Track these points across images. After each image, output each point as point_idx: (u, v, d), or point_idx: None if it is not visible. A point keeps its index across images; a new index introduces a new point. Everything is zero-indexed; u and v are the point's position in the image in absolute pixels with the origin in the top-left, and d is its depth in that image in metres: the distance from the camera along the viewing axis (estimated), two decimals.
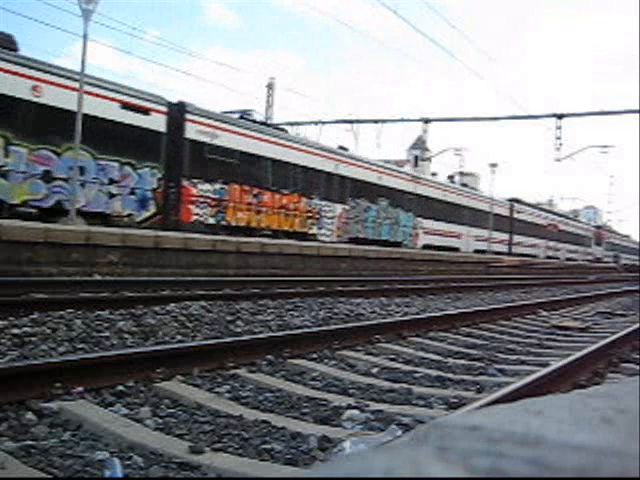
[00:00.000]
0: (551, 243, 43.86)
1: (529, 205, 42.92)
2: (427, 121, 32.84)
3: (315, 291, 10.32)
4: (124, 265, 11.42)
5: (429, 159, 38.92)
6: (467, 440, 0.70)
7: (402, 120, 32.30)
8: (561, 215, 51.19)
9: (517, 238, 37.70)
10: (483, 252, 31.84)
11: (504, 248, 35.59)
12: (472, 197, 33.24)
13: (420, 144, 40.47)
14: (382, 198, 24.75)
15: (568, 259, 46.26)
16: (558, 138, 29.61)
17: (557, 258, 43.86)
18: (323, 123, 31.38)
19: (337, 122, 32.17)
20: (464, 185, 35.99)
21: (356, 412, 3.46)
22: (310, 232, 20.50)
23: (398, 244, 25.37)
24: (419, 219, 27.27)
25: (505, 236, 36.15)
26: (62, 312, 6.15)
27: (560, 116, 29.29)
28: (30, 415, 3.07)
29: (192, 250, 12.94)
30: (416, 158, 38.57)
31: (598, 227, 60.97)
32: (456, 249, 29.54)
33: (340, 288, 11.49)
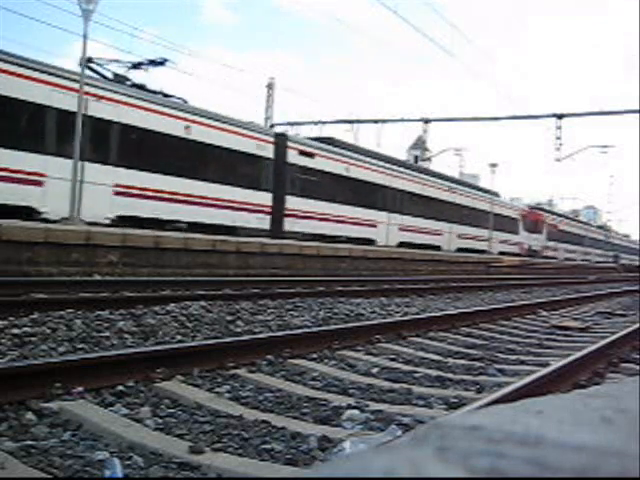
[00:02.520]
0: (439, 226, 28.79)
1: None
2: (427, 121, 32.85)
3: (315, 291, 10.32)
4: (124, 265, 11.42)
5: (429, 159, 38.92)
6: (467, 440, 0.70)
7: (402, 120, 32.32)
8: (455, 181, 33.31)
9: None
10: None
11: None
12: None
13: (420, 144, 40.51)
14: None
15: (463, 250, 30.05)
16: (558, 138, 29.62)
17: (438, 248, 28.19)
18: (323, 123, 31.38)
19: (337, 122, 32.18)
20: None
21: (356, 412, 3.46)
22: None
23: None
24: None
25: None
26: (62, 312, 6.15)
27: (560, 116, 29.30)
28: (30, 415, 3.07)
29: (192, 250, 12.94)
30: (416, 158, 38.57)
31: (533, 207, 44.71)
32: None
33: (340, 288, 11.49)
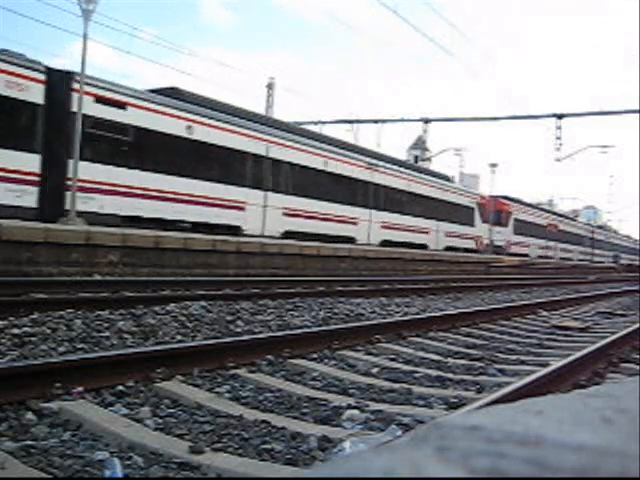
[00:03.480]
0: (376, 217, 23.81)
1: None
2: (427, 121, 32.89)
3: (315, 291, 10.32)
4: (124, 265, 11.42)
5: (429, 159, 38.93)
6: (467, 440, 0.70)
7: (402, 120, 32.38)
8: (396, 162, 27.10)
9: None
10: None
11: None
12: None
13: (420, 144, 40.49)
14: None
15: (392, 244, 23.84)
16: (558, 138, 29.68)
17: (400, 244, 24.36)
18: (323, 123, 31.42)
19: (337, 122, 32.23)
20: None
21: (356, 412, 3.46)
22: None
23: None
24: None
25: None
26: (62, 312, 6.15)
27: (560, 116, 29.34)
28: (30, 415, 3.07)
29: (192, 250, 12.94)
30: (416, 158, 38.57)
31: (498, 196, 36.79)
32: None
33: (340, 288, 11.49)
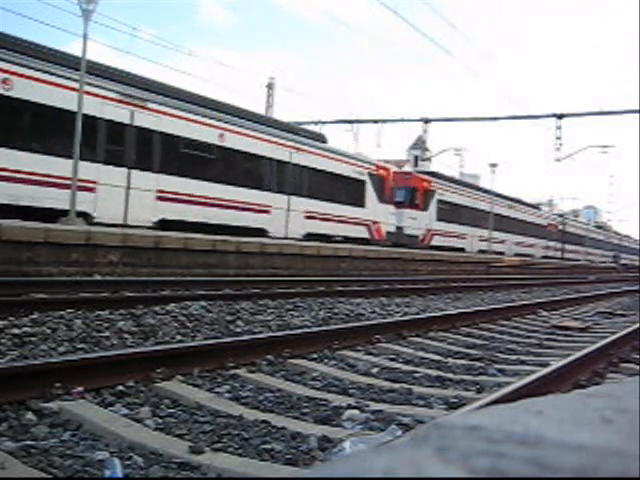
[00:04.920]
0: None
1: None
2: (427, 121, 32.88)
3: (315, 291, 10.32)
4: (124, 265, 11.42)
5: (429, 159, 38.94)
6: (467, 440, 0.70)
7: (402, 120, 32.36)
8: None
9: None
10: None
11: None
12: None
13: (420, 144, 40.49)
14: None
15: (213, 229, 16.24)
16: (558, 138, 29.67)
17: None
18: (323, 123, 31.40)
19: (337, 122, 32.22)
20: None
21: (356, 412, 3.46)
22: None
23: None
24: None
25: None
26: (62, 312, 6.15)
27: (560, 116, 29.34)
28: (30, 415, 3.07)
29: (192, 250, 12.94)
30: (416, 158, 38.60)
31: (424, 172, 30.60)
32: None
33: (340, 288, 11.49)
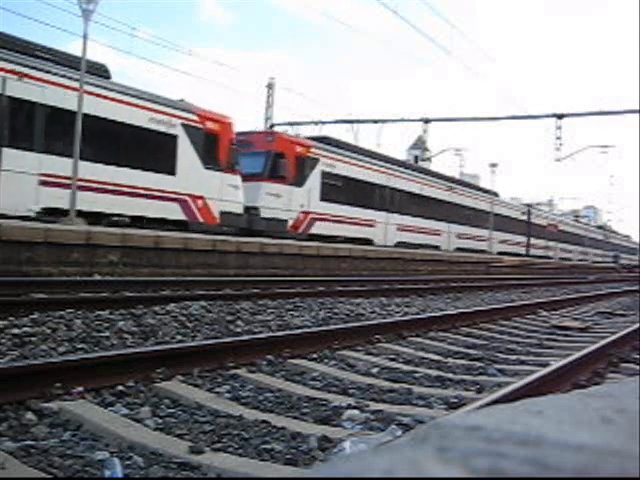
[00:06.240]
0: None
1: None
2: (427, 121, 32.86)
3: (315, 291, 10.32)
4: (124, 265, 11.42)
5: (429, 159, 38.94)
6: (467, 440, 0.70)
7: (402, 120, 32.35)
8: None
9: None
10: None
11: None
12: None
13: (420, 144, 40.52)
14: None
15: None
16: (558, 138, 29.66)
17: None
18: (323, 123, 31.38)
19: (337, 122, 32.19)
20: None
21: (356, 412, 3.46)
22: None
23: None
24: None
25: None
26: (62, 312, 6.15)
27: (560, 116, 29.33)
28: (30, 415, 3.07)
29: (192, 250, 12.94)
30: (416, 158, 38.58)
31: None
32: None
33: (340, 288, 11.49)
